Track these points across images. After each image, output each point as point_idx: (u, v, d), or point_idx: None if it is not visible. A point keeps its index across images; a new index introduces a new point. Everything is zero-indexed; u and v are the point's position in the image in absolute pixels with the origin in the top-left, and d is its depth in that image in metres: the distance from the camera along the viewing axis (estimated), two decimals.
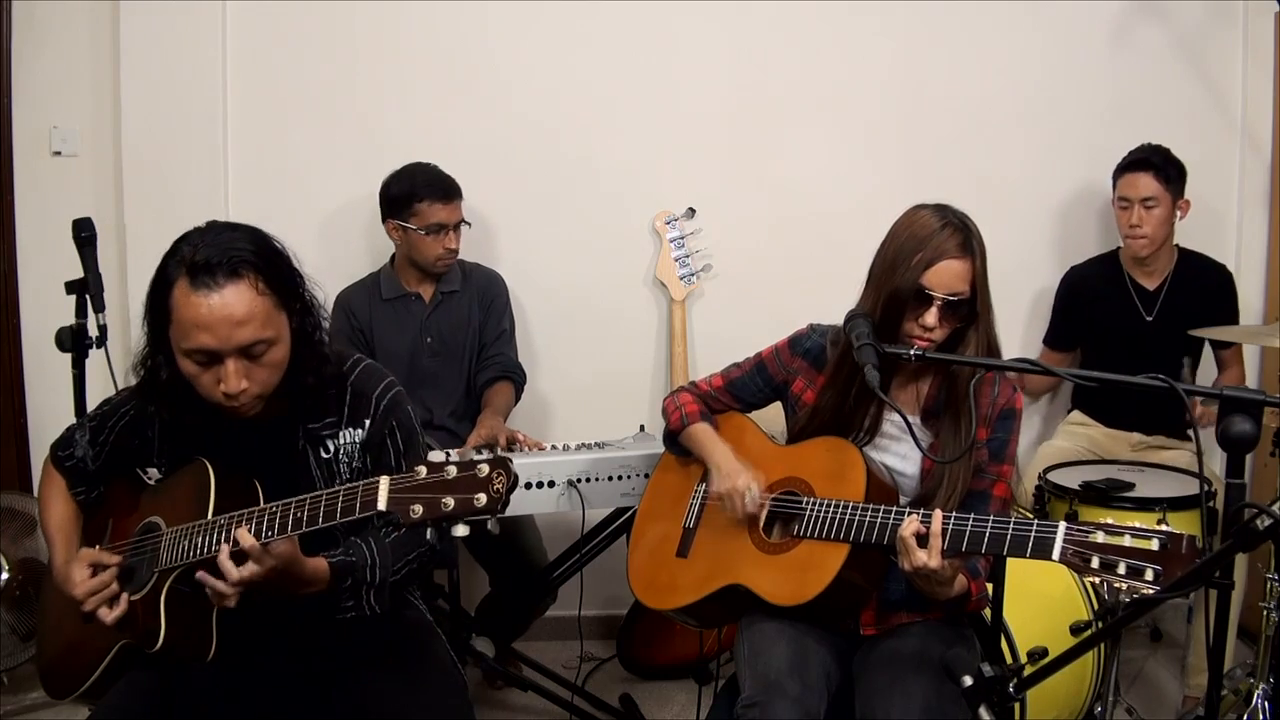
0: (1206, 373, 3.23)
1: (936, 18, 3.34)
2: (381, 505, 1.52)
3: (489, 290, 3.13)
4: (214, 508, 1.71)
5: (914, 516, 1.76)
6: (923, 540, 1.73)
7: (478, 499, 1.46)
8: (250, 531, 1.64)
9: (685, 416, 2.19)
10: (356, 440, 1.85)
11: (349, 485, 1.59)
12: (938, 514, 1.73)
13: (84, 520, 1.96)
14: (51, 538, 1.92)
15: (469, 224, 3.04)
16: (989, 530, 1.70)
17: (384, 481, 1.53)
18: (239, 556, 1.63)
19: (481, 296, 3.11)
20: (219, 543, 1.66)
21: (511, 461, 1.50)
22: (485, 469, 1.47)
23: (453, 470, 1.49)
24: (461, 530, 1.50)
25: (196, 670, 1.75)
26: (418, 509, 1.49)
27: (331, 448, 1.84)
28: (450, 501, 1.48)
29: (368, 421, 1.85)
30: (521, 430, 2.86)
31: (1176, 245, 3.17)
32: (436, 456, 1.53)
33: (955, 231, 1.90)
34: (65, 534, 1.91)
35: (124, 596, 1.76)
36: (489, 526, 1.50)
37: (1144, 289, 3.15)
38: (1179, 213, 3.08)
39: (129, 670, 1.81)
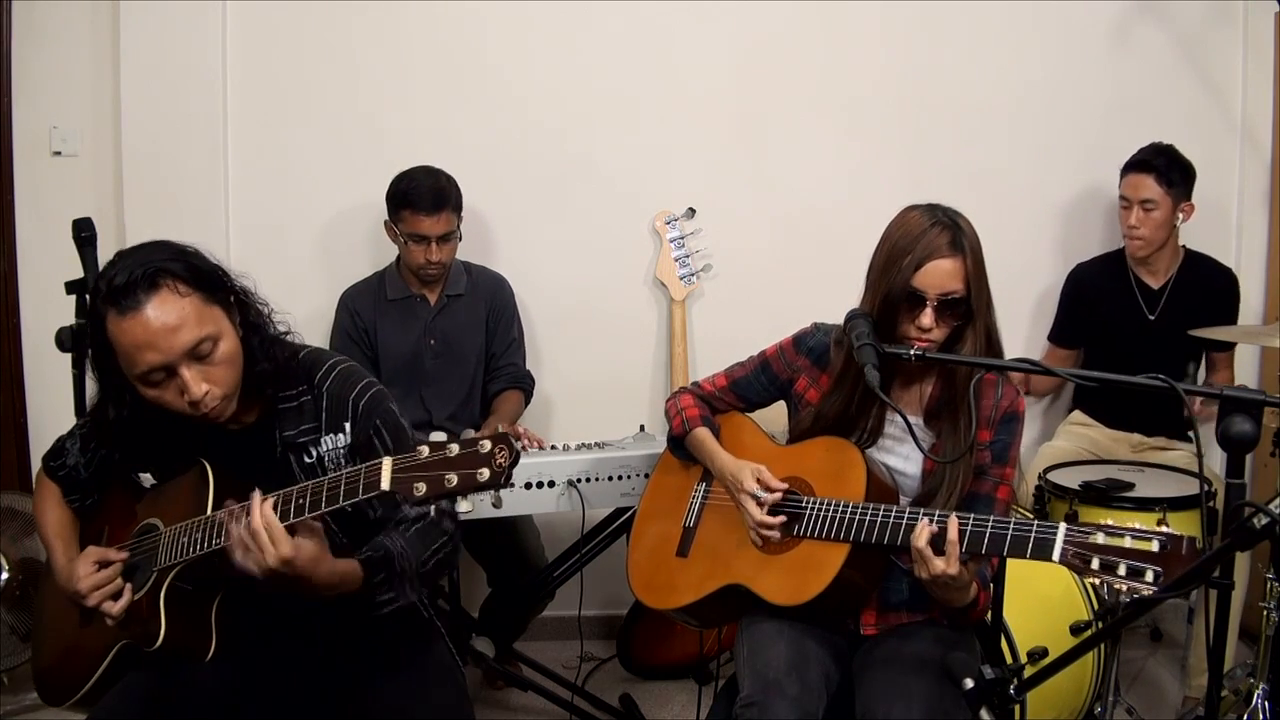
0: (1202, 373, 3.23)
1: (937, 18, 3.34)
2: (385, 485, 1.52)
3: (497, 297, 3.12)
4: (213, 505, 1.71)
5: (925, 522, 1.74)
6: (938, 547, 1.72)
7: (480, 473, 1.46)
8: None
9: (686, 421, 2.18)
10: (341, 445, 1.82)
11: (351, 468, 1.58)
12: (953, 520, 1.71)
13: (80, 526, 1.95)
14: (50, 543, 1.92)
15: (460, 236, 3.00)
16: (989, 530, 1.70)
17: (387, 462, 1.53)
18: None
19: (490, 303, 3.10)
20: (218, 537, 1.65)
21: (512, 437, 1.50)
22: (488, 445, 1.47)
23: (455, 448, 1.49)
24: (465, 506, 1.50)
25: (195, 671, 1.74)
26: (421, 486, 1.49)
27: (314, 454, 1.81)
28: (454, 478, 1.47)
29: (348, 425, 1.82)
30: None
31: (1183, 246, 3.17)
32: (438, 437, 1.53)
33: (944, 230, 1.88)
34: (63, 539, 1.91)
35: (127, 589, 1.76)
36: (491, 503, 1.50)
37: (1148, 288, 3.15)
38: (1181, 215, 3.06)
39: (126, 674, 1.80)
